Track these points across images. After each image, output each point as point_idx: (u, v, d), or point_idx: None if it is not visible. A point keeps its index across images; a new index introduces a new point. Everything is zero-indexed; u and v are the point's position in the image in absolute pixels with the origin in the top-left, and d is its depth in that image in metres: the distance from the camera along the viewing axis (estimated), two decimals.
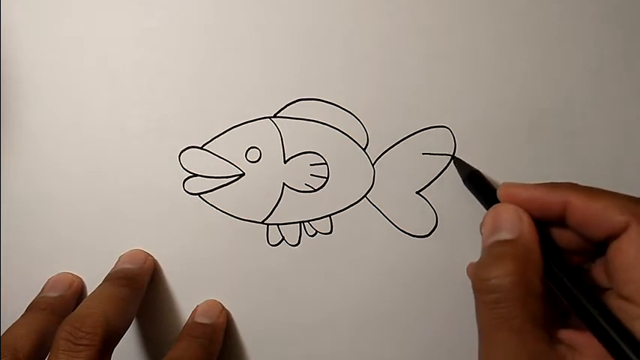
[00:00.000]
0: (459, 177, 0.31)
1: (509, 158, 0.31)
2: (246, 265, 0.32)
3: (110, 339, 0.27)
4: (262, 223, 0.32)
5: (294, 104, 0.31)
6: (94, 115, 0.31)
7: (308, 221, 0.32)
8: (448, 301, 0.32)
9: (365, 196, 0.32)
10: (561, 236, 0.27)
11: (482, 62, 0.30)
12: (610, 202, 0.24)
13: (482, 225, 0.27)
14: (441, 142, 0.31)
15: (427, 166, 0.31)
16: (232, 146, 0.31)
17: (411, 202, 0.32)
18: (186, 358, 0.29)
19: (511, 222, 0.25)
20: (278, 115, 0.31)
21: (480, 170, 0.31)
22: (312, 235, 0.32)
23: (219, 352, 0.31)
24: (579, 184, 0.26)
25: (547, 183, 0.26)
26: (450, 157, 0.31)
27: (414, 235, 0.32)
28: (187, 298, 0.32)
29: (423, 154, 0.31)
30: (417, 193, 0.31)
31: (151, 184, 0.32)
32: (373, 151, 0.31)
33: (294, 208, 0.32)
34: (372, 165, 0.32)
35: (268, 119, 0.31)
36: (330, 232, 0.32)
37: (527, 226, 0.25)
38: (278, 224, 0.32)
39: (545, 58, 0.30)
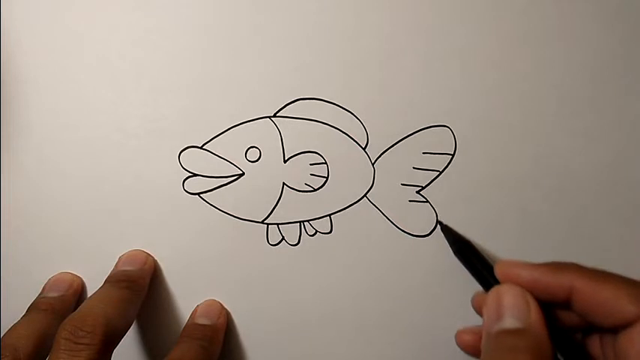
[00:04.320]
0: (459, 177, 0.31)
1: (509, 158, 0.31)
2: (246, 265, 0.32)
3: (110, 339, 0.27)
4: (262, 222, 0.32)
5: (293, 104, 0.31)
6: (94, 115, 0.31)
7: (308, 221, 0.32)
8: (448, 301, 0.32)
9: (365, 195, 0.32)
10: (562, 316, 0.26)
11: (483, 62, 0.30)
12: (620, 290, 0.23)
13: (481, 304, 0.26)
14: (441, 141, 0.31)
15: (427, 166, 0.31)
16: (232, 146, 0.31)
17: (411, 201, 0.32)
18: None
19: (518, 308, 0.24)
20: (278, 114, 0.31)
21: (480, 170, 0.31)
22: (312, 235, 0.32)
23: (220, 352, 0.31)
24: (584, 265, 0.24)
25: (550, 263, 0.25)
26: (450, 156, 0.31)
27: (414, 235, 0.32)
28: (187, 298, 0.32)
29: (423, 153, 0.31)
30: (417, 193, 0.31)
31: (151, 184, 0.32)
32: (373, 151, 0.31)
33: (294, 207, 0.32)
34: (372, 165, 0.31)
35: (268, 119, 0.31)
36: (330, 232, 0.32)
37: (535, 314, 0.24)
38: (278, 224, 0.32)
39: (545, 58, 0.30)
